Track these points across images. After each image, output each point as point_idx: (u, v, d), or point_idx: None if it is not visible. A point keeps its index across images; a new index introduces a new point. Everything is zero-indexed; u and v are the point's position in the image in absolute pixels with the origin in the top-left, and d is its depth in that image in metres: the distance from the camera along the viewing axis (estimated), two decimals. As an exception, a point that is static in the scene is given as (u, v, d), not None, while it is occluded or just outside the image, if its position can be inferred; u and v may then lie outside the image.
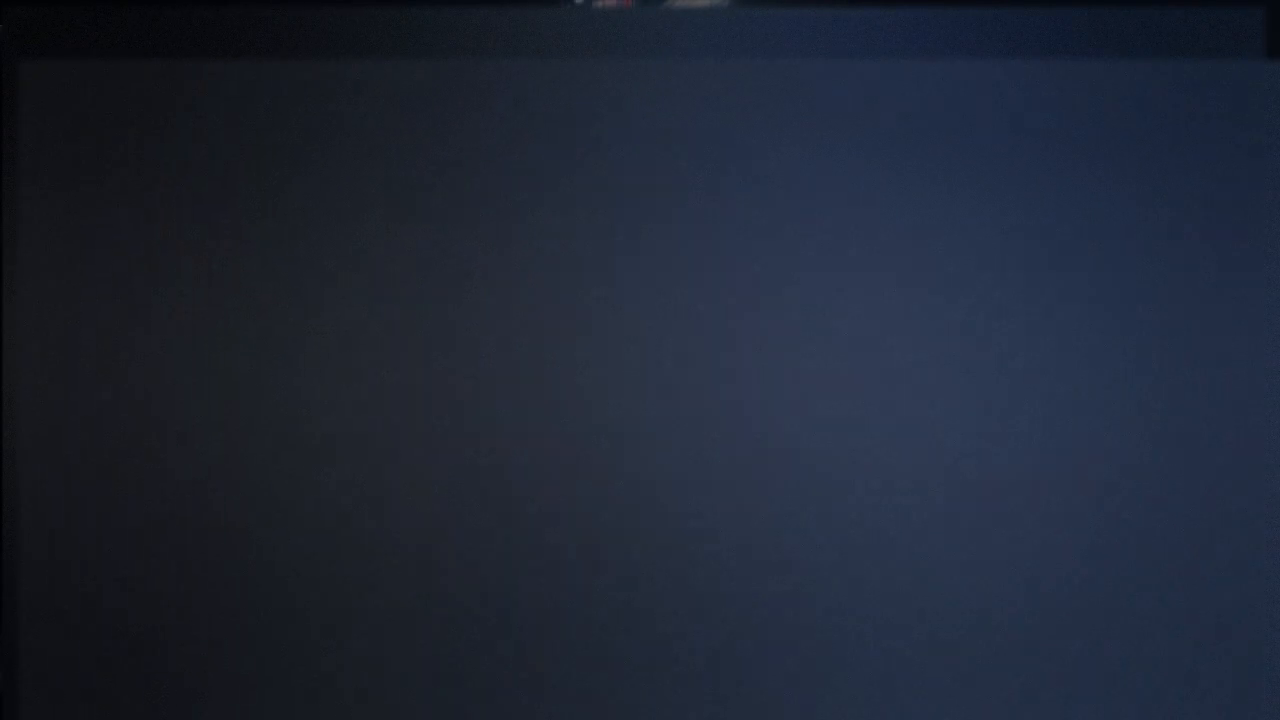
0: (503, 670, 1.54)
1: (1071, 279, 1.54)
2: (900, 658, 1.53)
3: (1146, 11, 1.55)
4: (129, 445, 1.53)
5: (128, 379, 1.54)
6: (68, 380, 1.54)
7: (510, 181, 1.55)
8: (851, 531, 1.53)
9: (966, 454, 1.54)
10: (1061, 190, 1.55)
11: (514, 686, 1.54)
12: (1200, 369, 1.54)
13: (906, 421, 1.54)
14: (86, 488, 1.53)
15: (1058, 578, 1.53)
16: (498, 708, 1.54)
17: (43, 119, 1.55)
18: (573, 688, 1.54)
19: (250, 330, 1.54)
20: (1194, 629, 1.53)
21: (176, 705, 1.53)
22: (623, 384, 1.54)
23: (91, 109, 1.55)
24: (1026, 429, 1.54)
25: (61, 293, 1.54)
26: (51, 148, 1.55)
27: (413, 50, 1.57)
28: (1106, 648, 1.53)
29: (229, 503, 1.53)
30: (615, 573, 1.53)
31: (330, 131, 1.55)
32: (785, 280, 1.54)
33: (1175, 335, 1.54)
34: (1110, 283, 1.54)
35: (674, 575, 1.54)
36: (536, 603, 1.54)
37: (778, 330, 1.54)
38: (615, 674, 1.54)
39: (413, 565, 1.54)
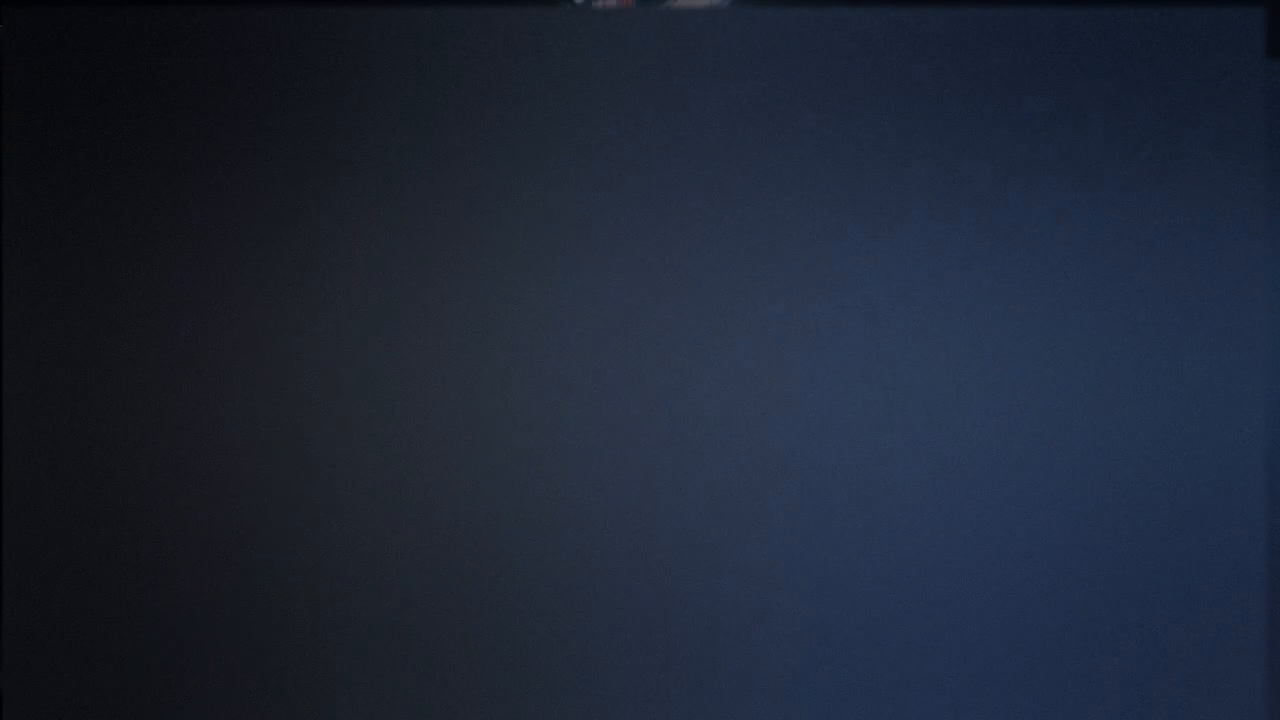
0: (506, 672, 1.54)
1: (1069, 281, 1.54)
2: (901, 660, 1.54)
3: (1147, 11, 1.55)
4: (129, 444, 1.53)
5: (127, 378, 1.54)
6: (67, 380, 1.54)
7: (510, 181, 1.55)
8: (850, 533, 1.53)
9: (965, 454, 1.54)
10: (1060, 190, 1.55)
11: (516, 688, 1.54)
12: (1200, 368, 1.54)
13: (907, 421, 1.54)
14: (85, 486, 1.53)
15: (1059, 580, 1.53)
16: (499, 708, 1.54)
17: (38, 116, 1.55)
18: (573, 689, 1.54)
19: (249, 329, 1.54)
20: (1195, 629, 1.53)
21: (176, 705, 1.53)
22: (622, 383, 1.54)
23: (90, 108, 1.55)
24: (1028, 430, 1.54)
25: (60, 292, 1.54)
26: (50, 146, 1.55)
27: (412, 50, 1.57)
28: (1106, 649, 1.53)
29: (228, 502, 1.53)
30: (613, 573, 1.54)
31: (330, 132, 1.55)
32: (785, 278, 1.55)
33: (1175, 335, 1.54)
34: (1109, 284, 1.54)
35: (676, 575, 1.54)
36: (538, 602, 1.54)
37: (776, 328, 1.54)
38: (614, 676, 1.54)
39: (413, 565, 1.54)
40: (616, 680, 1.54)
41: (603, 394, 1.54)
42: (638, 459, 1.54)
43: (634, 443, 1.54)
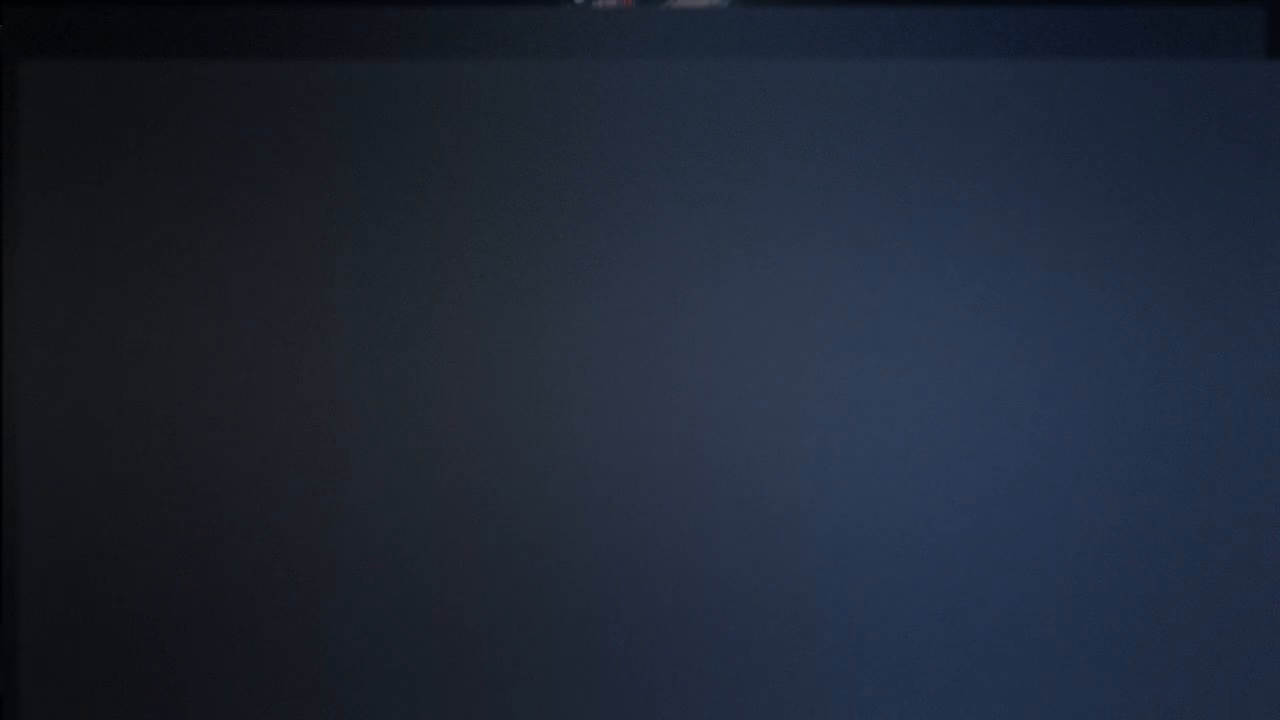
0: (514, 671, 1.54)
1: (1071, 280, 1.54)
2: (903, 661, 1.54)
3: (1146, 11, 1.55)
4: (129, 445, 1.53)
5: (128, 380, 1.54)
6: (68, 381, 1.54)
7: (510, 182, 1.55)
8: (857, 532, 1.53)
9: (967, 454, 1.54)
10: (1061, 190, 1.55)
11: (519, 688, 1.54)
12: (1202, 369, 1.54)
13: (909, 424, 1.54)
14: (87, 487, 1.53)
15: (1070, 588, 1.53)
16: (506, 707, 1.54)
17: (43, 119, 1.55)
18: (573, 691, 1.54)
19: (250, 330, 1.54)
20: (1199, 629, 1.53)
21: (176, 705, 1.53)
22: (623, 385, 1.54)
23: (92, 109, 1.55)
24: (1028, 432, 1.54)
25: (62, 294, 1.54)
26: (51, 148, 1.55)
27: (413, 50, 1.57)
28: (1108, 650, 1.53)
29: (230, 503, 1.53)
30: (612, 574, 1.53)
31: (330, 132, 1.55)
32: (785, 280, 1.55)
33: (1175, 335, 1.54)
34: (1110, 283, 1.54)
35: (676, 576, 1.54)
36: (541, 604, 1.54)
37: (777, 330, 1.54)
38: (615, 678, 1.54)
39: (421, 566, 1.54)
40: (623, 681, 1.54)
41: (602, 393, 1.54)
42: (642, 459, 1.54)
43: (637, 443, 1.54)
